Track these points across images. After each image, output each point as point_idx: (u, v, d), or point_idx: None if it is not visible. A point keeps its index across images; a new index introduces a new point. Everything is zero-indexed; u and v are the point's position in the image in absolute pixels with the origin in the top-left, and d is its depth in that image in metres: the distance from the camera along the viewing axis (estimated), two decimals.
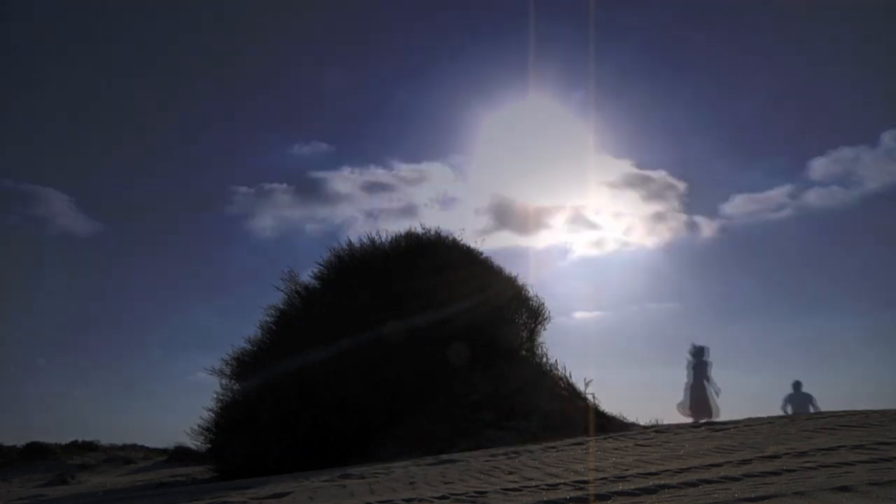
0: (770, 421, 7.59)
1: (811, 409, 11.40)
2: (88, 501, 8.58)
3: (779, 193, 32.89)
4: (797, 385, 11.90)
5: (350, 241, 12.85)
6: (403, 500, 4.49)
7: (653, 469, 4.70)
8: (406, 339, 10.63)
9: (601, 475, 4.65)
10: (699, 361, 11.42)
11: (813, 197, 32.09)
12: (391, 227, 13.13)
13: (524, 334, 12.68)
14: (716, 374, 11.49)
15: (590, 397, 11.56)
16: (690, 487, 3.94)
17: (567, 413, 10.63)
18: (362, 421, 9.84)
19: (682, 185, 31.42)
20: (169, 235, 39.74)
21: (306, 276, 12.81)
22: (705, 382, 11.15)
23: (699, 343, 11.55)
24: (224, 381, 11.42)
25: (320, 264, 12.79)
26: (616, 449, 6.34)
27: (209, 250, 39.30)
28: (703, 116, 35.36)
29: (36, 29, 33.11)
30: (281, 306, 12.44)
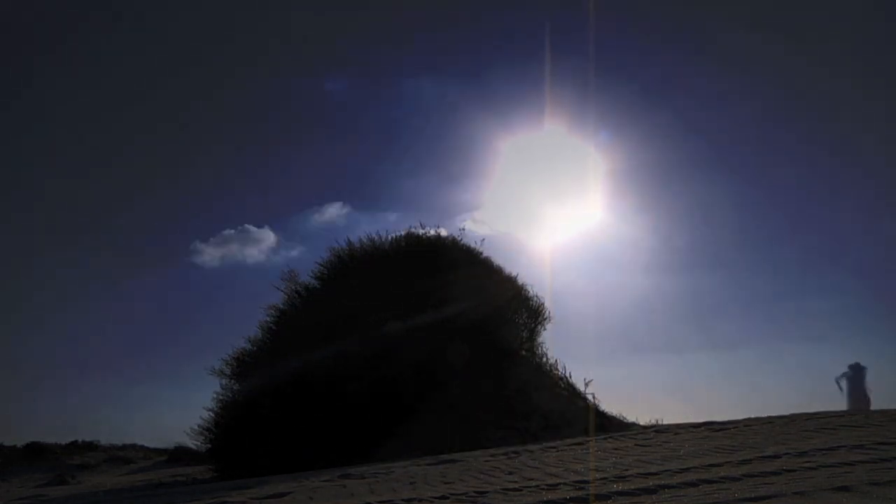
0: (770, 421, 7.59)
1: (866, 382, 14.02)
2: (88, 501, 8.58)
3: None
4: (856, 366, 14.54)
5: (350, 241, 12.83)
6: (403, 500, 4.49)
7: (653, 469, 4.70)
8: (406, 339, 10.63)
9: (601, 475, 4.65)
10: (858, 373, 14.28)
11: None
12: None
13: (524, 334, 12.68)
14: None
15: (590, 397, 11.58)
16: (690, 487, 3.94)
17: (567, 413, 10.63)
18: (362, 421, 9.83)
19: None
20: (171, 236, 39.70)
21: (306, 276, 12.81)
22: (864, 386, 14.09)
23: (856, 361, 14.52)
24: (224, 381, 11.43)
25: (320, 264, 12.80)
26: (616, 449, 6.34)
27: (211, 250, 39.21)
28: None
29: None
30: (281, 306, 12.45)
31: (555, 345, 12.69)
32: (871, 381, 14.39)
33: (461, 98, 31.06)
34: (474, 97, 31.09)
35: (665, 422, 11.11)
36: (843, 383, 14.65)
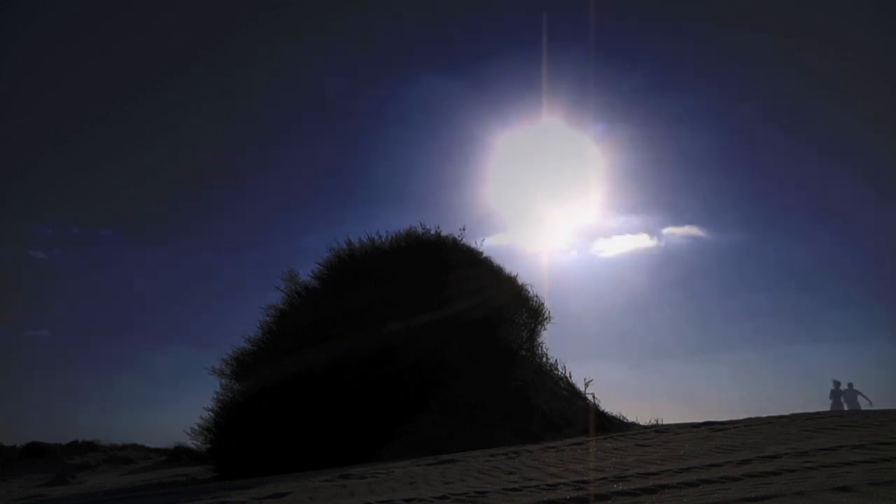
0: (770, 421, 7.59)
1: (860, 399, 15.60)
2: (88, 501, 8.57)
3: None
4: (850, 384, 16.04)
5: (350, 241, 12.84)
6: (403, 499, 4.49)
7: (653, 469, 4.70)
8: (406, 339, 10.63)
9: (601, 475, 4.65)
10: (836, 390, 15.98)
11: None
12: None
13: (524, 334, 12.67)
14: None
15: (590, 397, 11.57)
16: (690, 487, 3.94)
17: (567, 413, 10.63)
18: (362, 421, 9.83)
19: None
20: (171, 237, 39.74)
21: (306, 275, 12.81)
22: (842, 399, 15.69)
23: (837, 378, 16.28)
24: (224, 381, 11.43)
25: (320, 264, 12.80)
26: (616, 449, 6.34)
27: (212, 250, 39.25)
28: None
29: None
30: (281, 306, 12.44)
31: (555, 343, 12.74)
32: (865, 390, 15.60)
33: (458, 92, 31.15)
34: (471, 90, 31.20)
35: (665, 422, 11.13)
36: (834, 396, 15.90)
